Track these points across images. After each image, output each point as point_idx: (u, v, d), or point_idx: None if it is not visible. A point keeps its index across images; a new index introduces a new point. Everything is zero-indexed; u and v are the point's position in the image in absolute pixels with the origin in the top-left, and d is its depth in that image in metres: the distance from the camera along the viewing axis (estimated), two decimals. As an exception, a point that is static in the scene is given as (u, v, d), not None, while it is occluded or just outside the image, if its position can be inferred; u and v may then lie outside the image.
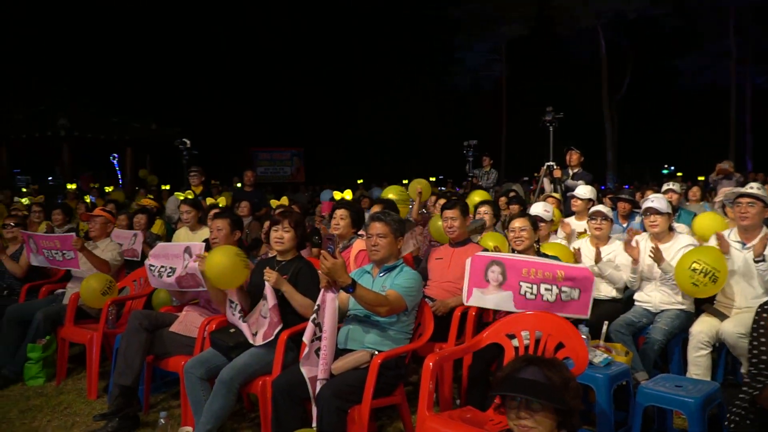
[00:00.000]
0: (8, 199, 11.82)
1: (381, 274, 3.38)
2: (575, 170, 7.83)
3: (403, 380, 3.40)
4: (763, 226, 3.96)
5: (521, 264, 3.39)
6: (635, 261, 4.25)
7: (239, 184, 13.78)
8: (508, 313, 3.40)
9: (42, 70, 21.54)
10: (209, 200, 7.55)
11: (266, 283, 3.41)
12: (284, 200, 8.17)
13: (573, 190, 6.38)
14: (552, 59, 28.72)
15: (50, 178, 20.21)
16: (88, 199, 9.75)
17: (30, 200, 10.30)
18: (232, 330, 3.55)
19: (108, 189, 15.10)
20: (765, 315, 2.08)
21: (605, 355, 3.32)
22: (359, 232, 4.60)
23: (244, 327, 3.49)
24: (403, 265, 3.43)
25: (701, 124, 28.21)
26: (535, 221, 4.14)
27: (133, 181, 18.16)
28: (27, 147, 18.04)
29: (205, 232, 5.51)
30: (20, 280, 5.38)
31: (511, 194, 9.40)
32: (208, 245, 4.16)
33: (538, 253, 3.99)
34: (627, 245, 4.33)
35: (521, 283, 3.33)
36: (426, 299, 3.71)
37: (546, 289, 3.26)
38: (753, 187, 3.99)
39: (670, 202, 4.67)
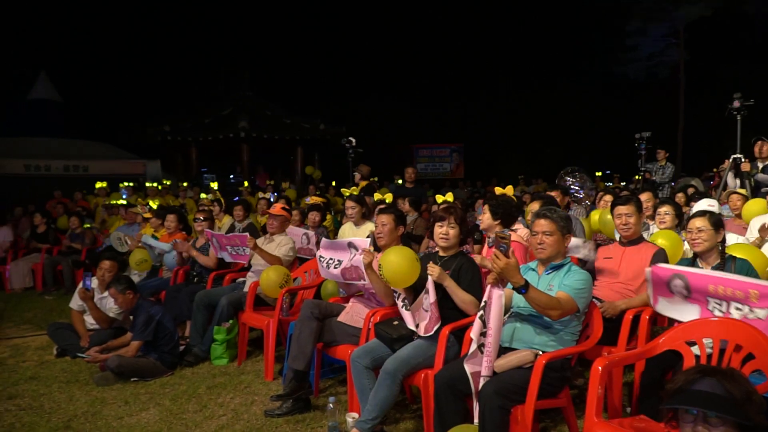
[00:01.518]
0: (197, 196, 13.28)
1: (547, 272, 3.29)
2: (765, 163, 6.99)
3: (569, 383, 3.28)
4: None
5: (707, 280, 3.14)
6: None
7: (400, 181, 14.16)
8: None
9: (226, 76, 23.91)
10: (377, 196, 7.84)
11: (429, 277, 3.48)
12: (449, 196, 8.25)
13: (765, 185, 5.71)
14: (738, 41, 25.80)
15: (231, 176, 22.38)
16: (267, 195, 10.61)
17: (213, 197, 11.47)
18: (396, 322, 3.67)
19: (284, 185, 16.30)
20: None
21: (806, 371, 2.93)
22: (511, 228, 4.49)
23: (407, 315, 3.60)
24: (571, 263, 3.30)
25: None
26: (718, 220, 3.73)
27: (304, 178, 19.47)
28: (213, 147, 20.12)
29: (368, 227, 5.75)
30: (209, 269, 6.02)
31: (690, 190, 8.66)
32: (373, 240, 4.34)
33: (723, 256, 3.61)
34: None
35: (709, 299, 3.11)
36: (594, 300, 3.54)
37: (737, 309, 3.00)
38: None
39: None
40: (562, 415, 3.33)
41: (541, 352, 3.03)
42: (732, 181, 7.38)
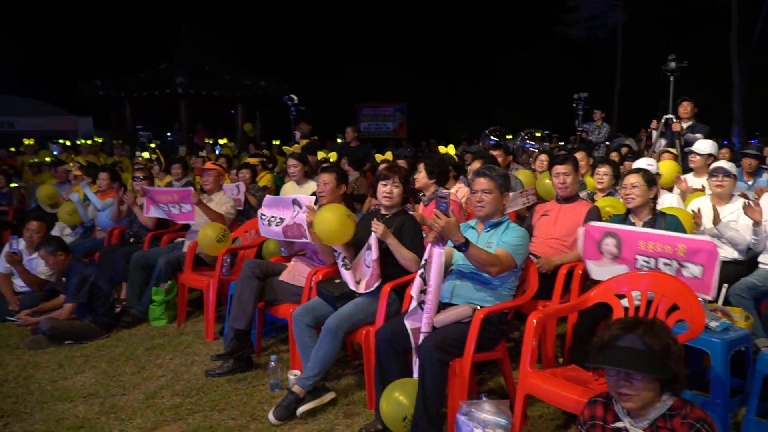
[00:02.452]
0: (128, 153, 12.80)
1: (486, 230, 3.35)
2: (689, 123, 7.27)
3: (505, 336, 3.39)
4: None
5: (638, 236, 3.26)
6: (757, 223, 3.91)
7: (339, 140, 14.05)
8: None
9: (164, 30, 22.81)
10: (320, 155, 7.75)
11: (372, 234, 3.48)
12: (389, 155, 8.25)
13: (692, 144, 5.95)
14: (675, 3, 26.42)
15: (169, 134, 21.63)
16: (204, 153, 10.34)
17: (150, 155, 11.08)
18: (338, 280, 3.67)
19: (222, 141, 15.89)
20: None
21: (723, 320, 3.12)
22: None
23: (347, 274, 3.60)
24: (509, 221, 3.37)
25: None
26: (652, 178, 3.87)
27: (244, 136, 19.01)
28: (149, 104, 19.33)
29: (311, 186, 5.69)
30: (147, 229, 5.84)
31: (624, 149, 8.94)
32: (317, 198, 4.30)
33: (655, 212, 3.77)
34: (747, 207, 3.97)
35: (638, 257, 3.23)
36: (530, 256, 3.64)
37: (665, 264, 3.13)
38: None
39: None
40: (499, 367, 3.45)
41: (479, 307, 3.10)
42: (655, 139, 7.66)
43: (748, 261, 4.20)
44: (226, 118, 22.28)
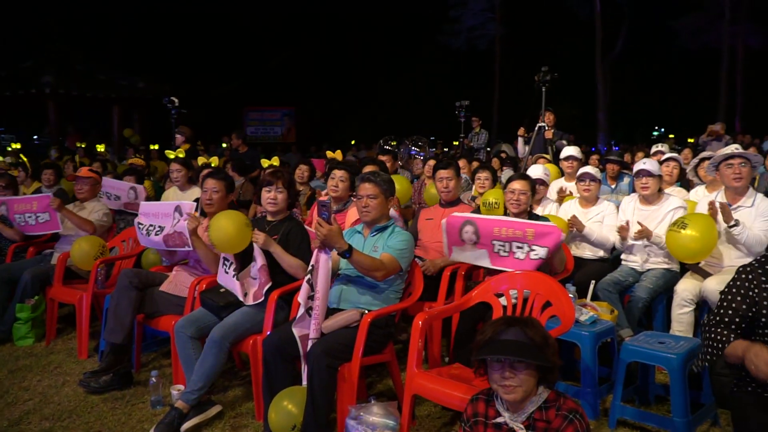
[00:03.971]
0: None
1: (372, 234, 3.39)
2: (553, 130, 7.81)
3: (393, 339, 3.44)
4: (750, 188, 3.98)
5: (492, 223, 3.52)
6: (624, 238, 4.24)
7: (224, 144, 13.67)
8: (496, 273, 3.45)
9: (29, 25, 21.01)
10: (201, 160, 7.49)
11: (254, 244, 3.41)
12: (275, 160, 8.11)
13: (561, 151, 6.39)
14: (547, 17, 28.25)
15: (36, 137, 19.94)
16: (77, 158, 9.65)
17: (13, 159, 10.18)
18: (222, 290, 3.56)
19: (100, 148, 14.91)
20: (744, 276, 2.10)
21: (591, 313, 3.38)
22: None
23: (236, 285, 3.50)
24: (394, 225, 3.43)
25: (694, 86, 28.06)
26: (534, 185, 4.12)
27: (121, 141, 17.94)
28: (12, 104, 17.71)
29: (194, 192, 5.48)
30: (11, 240, 5.34)
31: (502, 155, 9.41)
32: (199, 205, 4.14)
33: (531, 216, 3.99)
34: (620, 228, 4.27)
35: (494, 242, 3.50)
36: (416, 259, 3.73)
37: (518, 247, 3.42)
38: (739, 148, 4.00)
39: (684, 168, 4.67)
40: (388, 370, 3.50)
41: (367, 311, 3.13)
42: (522, 148, 8.16)
43: (613, 259, 4.58)
44: (102, 121, 20.91)
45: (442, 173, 4.42)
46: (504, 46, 29.05)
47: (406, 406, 2.92)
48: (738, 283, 2.11)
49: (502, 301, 3.25)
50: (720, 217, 3.84)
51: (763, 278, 2.06)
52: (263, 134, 26.84)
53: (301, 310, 3.11)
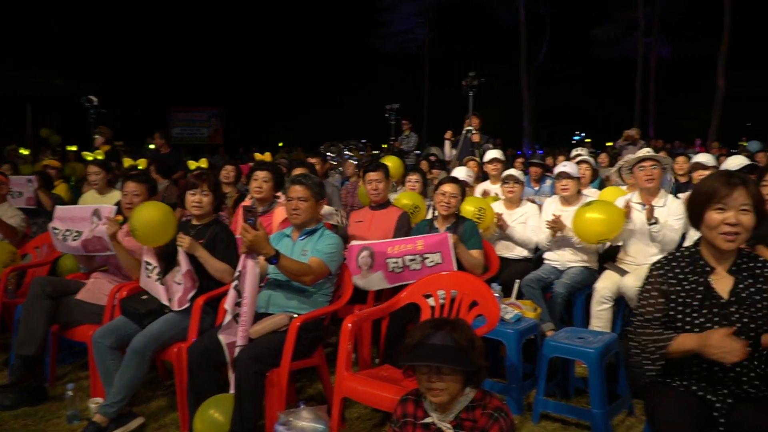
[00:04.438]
0: None
1: (301, 238, 3.35)
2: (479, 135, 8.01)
3: (323, 342, 3.42)
4: (662, 189, 4.22)
5: (386, 245, 3.74)
6: (554, 235, 4.39)
7: (152, 146, 13.20)
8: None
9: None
10: (127, 161, 7.20)
11: (179, 248, 3.31)
12: (203, 162, 7.92)
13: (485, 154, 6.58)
14: (475, 24, 28.96)
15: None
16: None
17: None
18: (144, 296, 3.43)
19: (24, 151, 14.06)
20: (656, 273, 2.22)
21: (516, 312, 3.48)
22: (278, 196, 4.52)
23: (161, 289, 3.37)
24: (323, 228, 3.41)
25: (611, 93, 29.48)
26: (464, 189, 4.21)
27: (36, 141, 17.00)
28: None
29: (114, 196, 5.26)
30: None
31: (432, 158, 9.55)
32: (120, 209, 3.97)
33: (457, 217, 4.07)
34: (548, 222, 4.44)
35: (388, 261, 3.67)
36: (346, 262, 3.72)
37: (411, 260, 3.61)
38: (650, 152, 4.25)
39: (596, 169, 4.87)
40: (317, 373, 3.47)
41: (295, 315, 3.10)
42: (449, 151, 8.34)
43: (536, 259, 4.73)
44: (15, 120, 19.74)
45: (371, 176, 4.43)
46: (433, 50, 29.58)
47: (335, 409, 2.91)
48: (651, 280, 2.22)
49: (431, 301, 3.29)
50: (633, 214, 4.07)
51: (670, 274, 2.18)
52: (189, 135, 26.15)
53: (228, 317, 3.04)
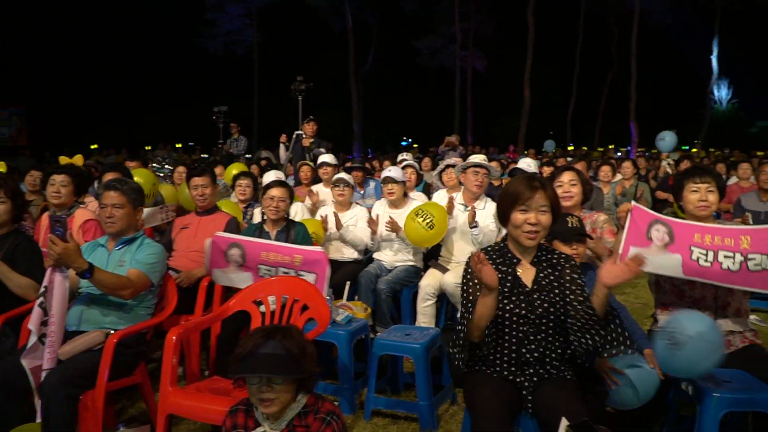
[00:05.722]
0: None
1: (118, 248, 3.12)
2: (311, 140, 8.10)
3: (145, 358, 3.21)
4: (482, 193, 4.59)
5: (260, 247, 3.61)
6: (374, 231, 4.59)
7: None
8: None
9: None
10: None
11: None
12: (2, 166, 7.07)
13: (318, 158, 6.65)
14: (304, 29, 29.08)
15: None
16: None
17: None
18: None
19: None
20: (470, 269, 2.41)
21: (347, 313, 3.55)
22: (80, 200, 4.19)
23: None
24: (143, 236, 3.20)
25: (434, 101, 31.32)
26: (292, 192, 4.21)
27: None
28: None
29: None
30: None
31: (263, 162, 9.42)
32: None
33: (288, 222, 4.06)
34: (370, 221, 4.65)
35: (260, 266, 3.58)
36: (170, 271, 3.54)
37: (284, 273, 3.51)
38: (479, 158, 4.62)
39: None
40: (140, 392, 3.25)
41: (112, 331, 2.88)
42: (284, 154, 8.34)
43: (366, 260, 4.88)
44: None
45: (197, 180, 4.26)
46: (263, 53, 29.18)
47: (160, 428, 2.74)
48: (468, 276, 2.40)
49: (262, 308, 3.24)
50: (456, 213, 4.39)
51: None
52: (-15, 136, 23.11)
53: (33, 339, 2.73)
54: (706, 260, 2.74)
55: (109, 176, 4.54)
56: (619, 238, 2.90)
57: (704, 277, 2.75)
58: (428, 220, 4.17)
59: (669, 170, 9.39)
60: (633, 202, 2.96)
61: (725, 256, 2.72)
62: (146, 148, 15.95)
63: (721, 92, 32.88)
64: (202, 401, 2.70)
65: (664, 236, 2.82)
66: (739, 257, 2.70)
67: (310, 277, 3.42)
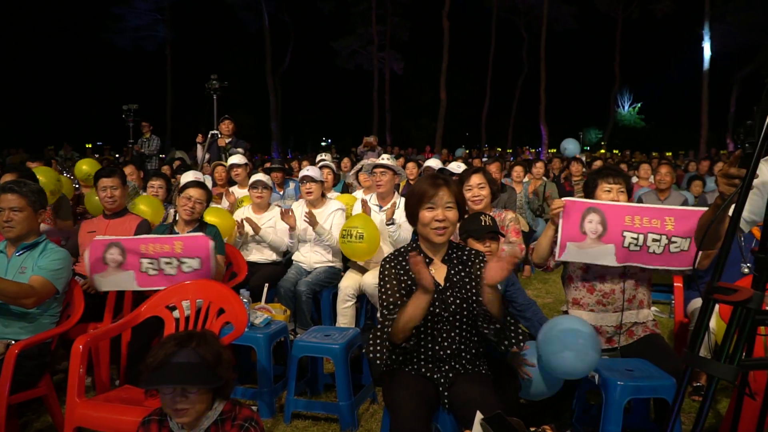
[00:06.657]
0: None
1: (18, 254, 2.95)
2: (229, 139, 7.96)
3: (50, 369, 3.05)
4: (395, 192, 4.65)
5: (137, 241, 3.40)
6: (292, 228, 4.57)
7: None
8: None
9: None
10: None
11: None
12: None
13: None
14: (219, 27, 28.36)
15: None
16: None
17: None
18: None
19: None
20: (387, 266, 2.45)
21: (265, 315, 3.50)
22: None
23: None
24: (46, 241, 3.04)
25: (353, 102, 31.41)
26: (210, 194, 4.11)
27: None
28: None
29: None
30: None
31: (176, 163, 9.15)
32: None
33: (200, 222, 3.96)
34: (284, 215, 4.61)
35: (142, 260, 3.35)
36: (77, 277, 3.37)
37: (167, 263, 3.34)
38: (385, 158, 4.65)
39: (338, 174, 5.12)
40: (45, 405, 3.08)
41: (13, 342, 2.71)
42: (200, 153, 8.15)
43: (286, 262, 4.84)
44: None
45: (106, 182, 4.08)
46: (176, 50, 28.22)
47: (67, 442, 2.61)
48: (386, 272, 2.44)
49: (176, 314, 3.14)
50: (372, 214, 4.43)
51: (399, 266, 2.44)
52: None
53: None
54: (636, 245, 2.91)
55: (7, 177, 4.27)
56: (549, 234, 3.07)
57: (633, 261, 2.93)
58: (355, 233, 4.16)
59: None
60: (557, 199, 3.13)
61: (653, 240, 2.90)
62: (48, 147, 15.05)
63: (623, 97, 34.95)
64: (112, 412, 2.59)
65: (597, 227, 2.92)
66: (664, 240, 2.89)
67: (194, 263, 3.29)
